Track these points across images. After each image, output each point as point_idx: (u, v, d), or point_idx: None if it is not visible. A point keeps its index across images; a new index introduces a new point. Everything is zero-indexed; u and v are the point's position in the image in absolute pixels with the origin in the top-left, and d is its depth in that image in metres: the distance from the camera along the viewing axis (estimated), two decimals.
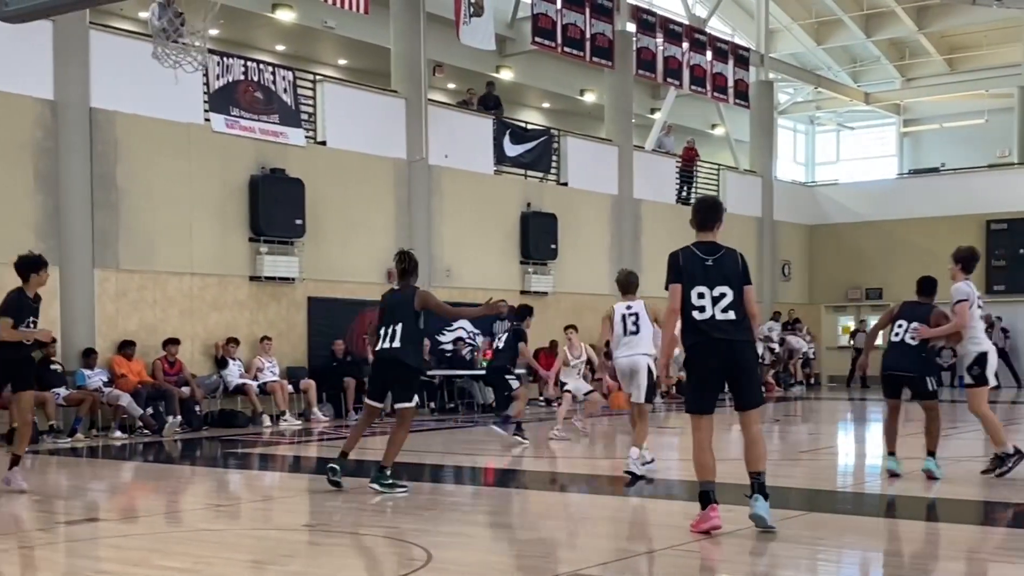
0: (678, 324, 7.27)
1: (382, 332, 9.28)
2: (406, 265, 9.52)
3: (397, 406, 9.40)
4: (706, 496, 7.10)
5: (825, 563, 6.72)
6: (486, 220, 21.36)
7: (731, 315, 7.09)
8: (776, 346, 27.04)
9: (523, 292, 21.93)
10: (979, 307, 9.59)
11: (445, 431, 16.42)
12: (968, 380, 9.82)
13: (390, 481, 9.17)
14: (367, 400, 9.64)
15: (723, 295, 7.11)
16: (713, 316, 7.09)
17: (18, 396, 9.88)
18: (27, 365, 10.08)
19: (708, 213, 7.64)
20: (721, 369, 7.17)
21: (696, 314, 7.13)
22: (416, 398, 9.71)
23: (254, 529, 8.01)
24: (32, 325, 9.75)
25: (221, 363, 16.74)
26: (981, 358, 9.60)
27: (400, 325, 9.20)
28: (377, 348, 9.39)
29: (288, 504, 9.33)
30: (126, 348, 15.59)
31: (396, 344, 9.17)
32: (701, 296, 7.13)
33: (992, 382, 9.69)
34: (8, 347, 9.66)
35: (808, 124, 37.18)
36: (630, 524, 8.47)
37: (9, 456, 9.93)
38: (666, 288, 7.25)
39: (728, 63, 27.18)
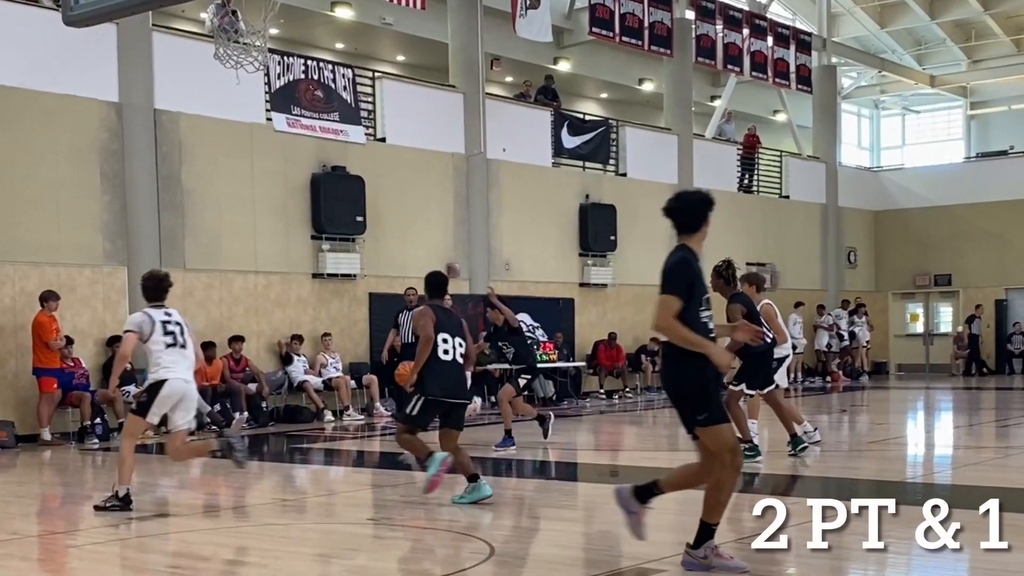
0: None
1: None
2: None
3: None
4: None
5: (895, 556, 6.60)
6: (545, 213, 21.33)
7: None
8: (844, 334, 26.68)
9: (582, 285, 21.88)
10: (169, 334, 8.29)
11: None
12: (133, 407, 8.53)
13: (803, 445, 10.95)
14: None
15: None
16: None
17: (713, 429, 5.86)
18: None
19: None
20: None
21: None
22: None
23: (320, 523, 8.09)
24: (707, 305, 5.93)
25: (286, 360, 16.92)
26: (153, 388, 8.30)
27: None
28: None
29: (352, 498, 9.42)
30: (207, 350, 15.74)
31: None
32: None
33: (154, 418, 8.38)
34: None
35: (872, 108, 36.55)
36: (693, 517, 8.39)
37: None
38: None
39: (790, 48, 26.80)
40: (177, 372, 8.32)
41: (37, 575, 6.78)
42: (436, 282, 9.01)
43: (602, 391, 21.22)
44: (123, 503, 8.34)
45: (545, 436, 12.76)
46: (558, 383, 20.04)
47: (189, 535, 7.68)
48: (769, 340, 10.94)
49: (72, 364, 14.31)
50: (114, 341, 15.00)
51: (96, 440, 14.03)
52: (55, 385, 13.92)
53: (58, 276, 14.61)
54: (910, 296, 30.45)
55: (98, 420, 14.32)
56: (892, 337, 30.03)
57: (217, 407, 15.45)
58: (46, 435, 13.88)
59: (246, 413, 15.66)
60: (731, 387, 11.02)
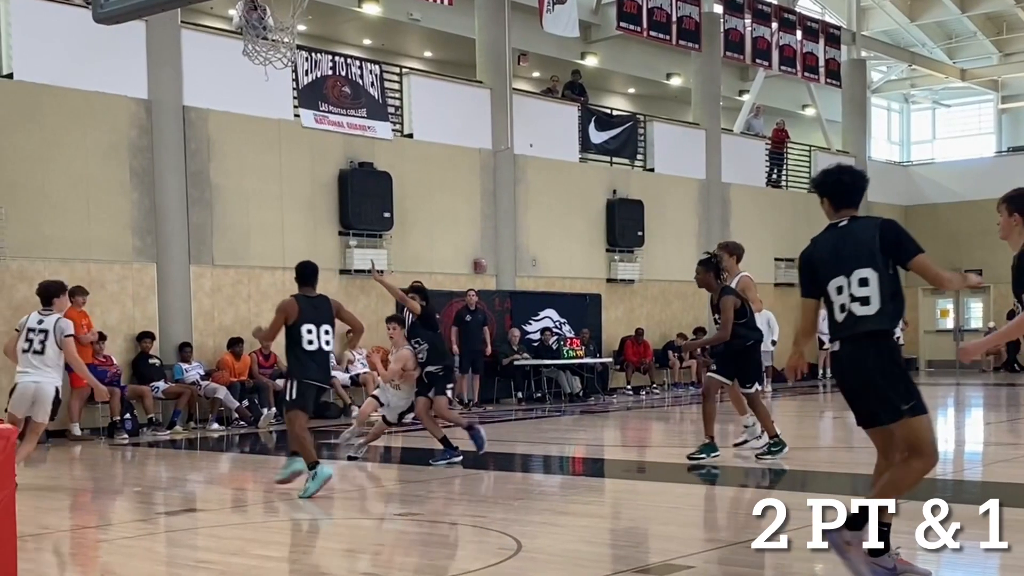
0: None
1: None
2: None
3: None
4: None
5: (922, 554, 6.55)
6: (572, 208, 21.29)
7: None
8: None
9: (609, 280, 21.84)
10: None
11: (532, 420, 16.43)
12: None
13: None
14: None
15: None
16: None
17: None
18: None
19: None
20: None
21: None
22: None
23: (347, 519, 8.11)
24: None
25: None
26: (12, 389, 9.43)
27: None
28: None
29: (379, 494, 9.45)
30: (235, 346, 15.87)
31: None
32: None
33: (16, 413, 9.31)
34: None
35: (902, 102, 36.25)
36: (721, 513, 8.37)
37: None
38: None
39: (819, 42, 26.63)
40: (26, 376, 9.29)
41: (68, 569, 6.83)
42: (304, 272, 9.47)
43: (629, 387, 21.18)
44: None
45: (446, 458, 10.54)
46: (585, 379, 20.01)
47: (217, 530, 7.72)
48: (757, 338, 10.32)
49: (103, 360, 14.42)
50: (144, 337, 15.16)
51: (126, 435, 14.14)
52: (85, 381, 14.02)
53: (88, 273, 14.72)
54: (940, 292, 30.19)
55: (128, 415, 14.43)
56: (922, 333, 29.78)
57: (245, 403, 15.55)
58: (76, 430, 14.01)
59: (274, 409, 15.72)
60: (743, 390, 10.30)
